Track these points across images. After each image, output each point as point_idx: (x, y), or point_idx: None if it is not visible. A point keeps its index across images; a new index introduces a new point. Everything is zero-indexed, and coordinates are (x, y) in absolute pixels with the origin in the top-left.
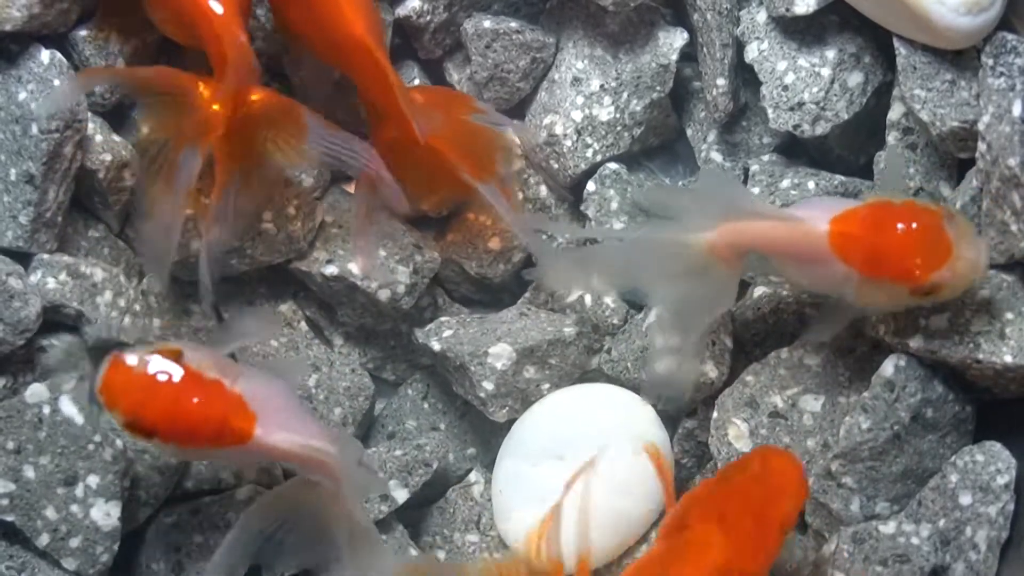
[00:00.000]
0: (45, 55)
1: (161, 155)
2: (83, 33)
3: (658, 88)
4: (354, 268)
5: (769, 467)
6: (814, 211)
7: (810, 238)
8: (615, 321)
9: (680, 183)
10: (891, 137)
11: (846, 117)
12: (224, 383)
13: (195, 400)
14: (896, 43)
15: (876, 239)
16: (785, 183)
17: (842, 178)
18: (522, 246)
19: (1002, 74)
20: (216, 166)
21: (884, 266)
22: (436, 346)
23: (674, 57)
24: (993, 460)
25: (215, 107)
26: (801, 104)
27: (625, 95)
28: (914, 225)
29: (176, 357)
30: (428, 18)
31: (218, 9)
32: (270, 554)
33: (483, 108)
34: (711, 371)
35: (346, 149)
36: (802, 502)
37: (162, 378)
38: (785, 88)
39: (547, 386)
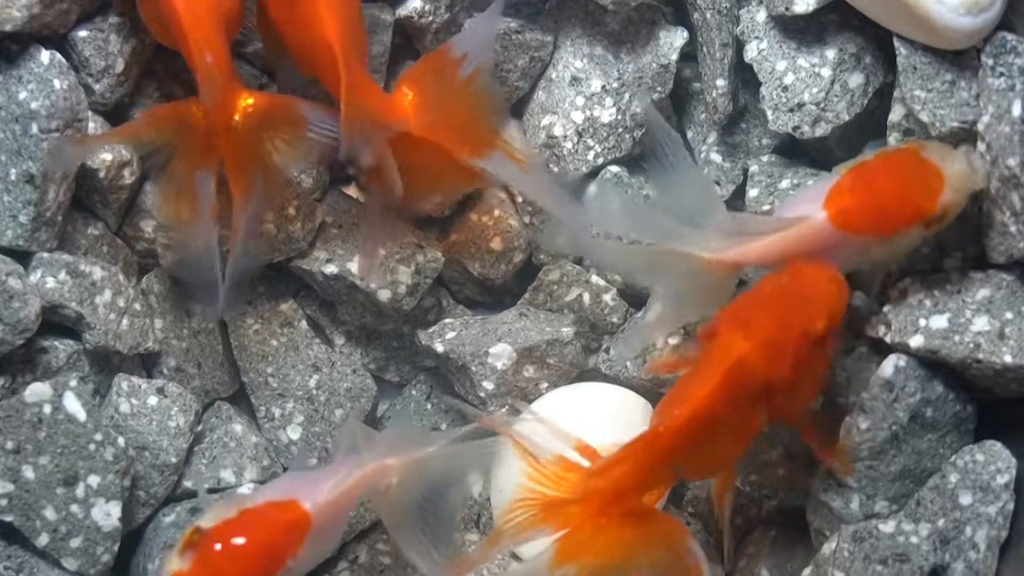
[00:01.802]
0: (45, 55)
1: (176, 185)
2: (83, 34)
3: (659, 89)
4: (353, 268)
5: (800, 277)
6: (803, 205)
7: (814, 232)
8: (614, 320)
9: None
10: (892, 138)
11: (847, 118)
12: (246, 507)
13: (246, 540)
14: (896, 43)
15: (873, 199)
16: (784, 183)
17: None
18: (522, 247)
19: (1002, 74)
20: (230, 181)
21: (892, 219)
22: (439, 347)
23: (674, 57)
24: (993, 460)
25: (211, 121)
26: (801, 105)
27: (627, 96)
28: (897, 167)
29: (198, 533)
30: (429, 18)
31: (193, 26)
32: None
33: (460, 56)
34: None
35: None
36: (831, 310)
37: (214, 552)
38: (785, 89)
39: (545, 385)
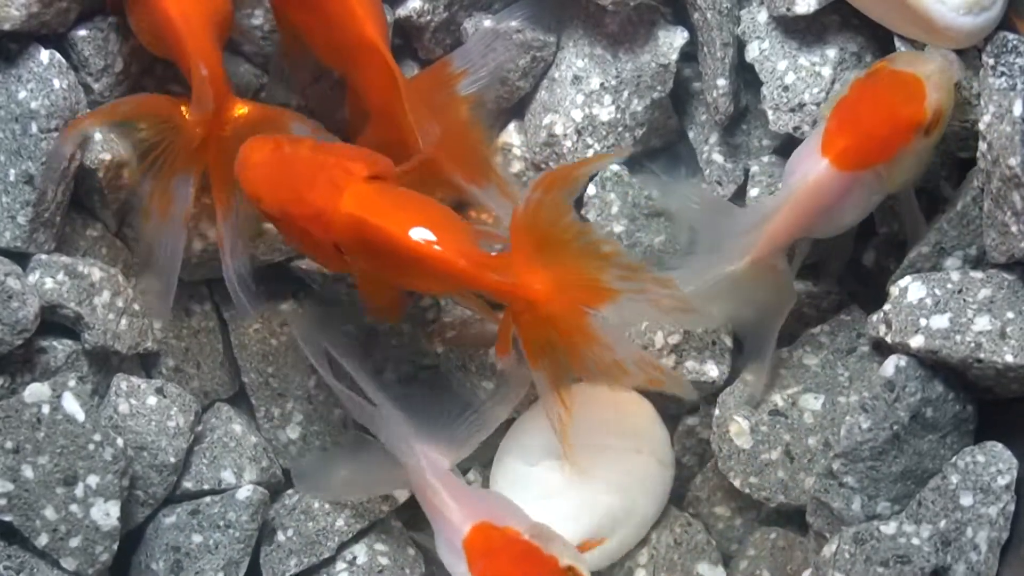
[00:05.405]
0: (44, 55)
1: (155, 183)
2: (83, 33)
3: (658, 88)
4: None
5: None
6: (803, 162)
7: (823, 182)
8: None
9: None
10: None
11: None
12: None
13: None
14: (897, 42)
15: (865, 130)
16: None
17: None
18: None
19: (1003, 74)
20: (214, 190)
21: (890, 140)
22: (439, 347)
23: (674, 57)
24: (994, 461)
25: (198, 131)
26: (802, 105)
27: (626, 94)
28: (874, 90)
29: None
30: (428, 18)
31: (189, 36)
32: None
33: (459, 71)
34: (712, 370)
35: None
36: None
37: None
38: (786, 89)
39: None
